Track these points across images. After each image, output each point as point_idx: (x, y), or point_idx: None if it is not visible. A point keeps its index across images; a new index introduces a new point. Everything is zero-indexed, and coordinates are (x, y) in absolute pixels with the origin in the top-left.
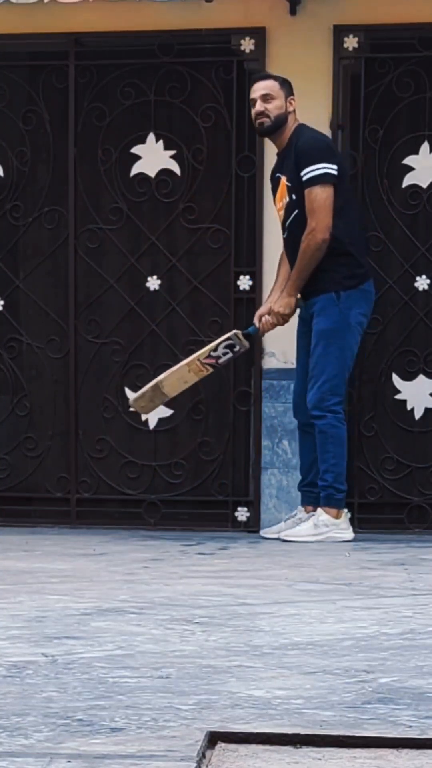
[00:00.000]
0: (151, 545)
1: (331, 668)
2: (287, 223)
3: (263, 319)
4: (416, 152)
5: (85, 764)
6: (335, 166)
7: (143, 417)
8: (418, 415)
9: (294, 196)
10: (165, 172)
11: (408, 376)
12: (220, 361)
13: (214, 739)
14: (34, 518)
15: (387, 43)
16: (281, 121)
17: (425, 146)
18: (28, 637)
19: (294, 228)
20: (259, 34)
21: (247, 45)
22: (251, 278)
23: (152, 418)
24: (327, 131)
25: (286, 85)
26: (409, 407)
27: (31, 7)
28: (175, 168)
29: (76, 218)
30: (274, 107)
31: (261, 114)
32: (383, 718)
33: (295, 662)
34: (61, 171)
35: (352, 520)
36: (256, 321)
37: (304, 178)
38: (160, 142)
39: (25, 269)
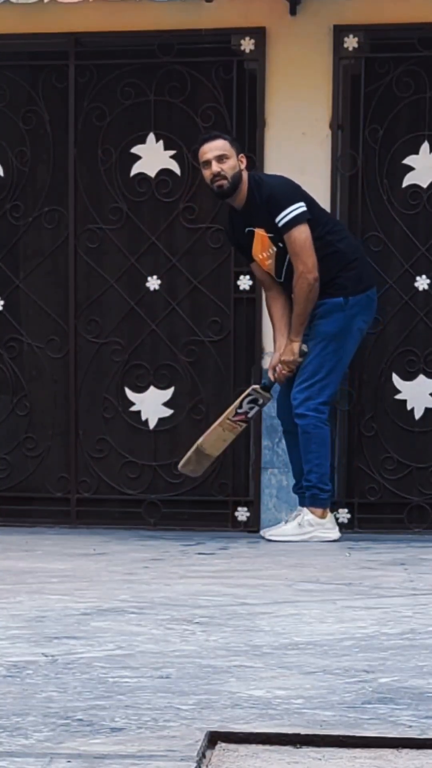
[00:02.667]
0: (151, 545)
1: (331, 668)
2: (284, 269)
3: (277, 369)
4: (416, 152)
5: (85, 764)
6: (303, 203)
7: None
8: (418, 415)
9: (282, 244)
10: (165, 172)
11: (408, 376)
12: (249, 415)
13: (214, 739)
14: (34, 518)
15: (387, 43)
16: (237, 180)
17: (425, 146)
18: (28, 637)
19: (292, 273)
20: (259, 34)
21: (247, 45)
22: (251, 278)
23: (152, 419)
24: (327, 131)
25: (236, 143)
26: (409, 407)
27: (31, 7)
28: (175, 168)
29: (76, 218)
30: (229, 167)
31: (218, 176)
32: (383, 718)
33: (295, 662)
34: (61, 171)
35: (352, 520)
36: (270, 373)
37: (281, 224)
38: (160, 142)
39: (25, 269)
